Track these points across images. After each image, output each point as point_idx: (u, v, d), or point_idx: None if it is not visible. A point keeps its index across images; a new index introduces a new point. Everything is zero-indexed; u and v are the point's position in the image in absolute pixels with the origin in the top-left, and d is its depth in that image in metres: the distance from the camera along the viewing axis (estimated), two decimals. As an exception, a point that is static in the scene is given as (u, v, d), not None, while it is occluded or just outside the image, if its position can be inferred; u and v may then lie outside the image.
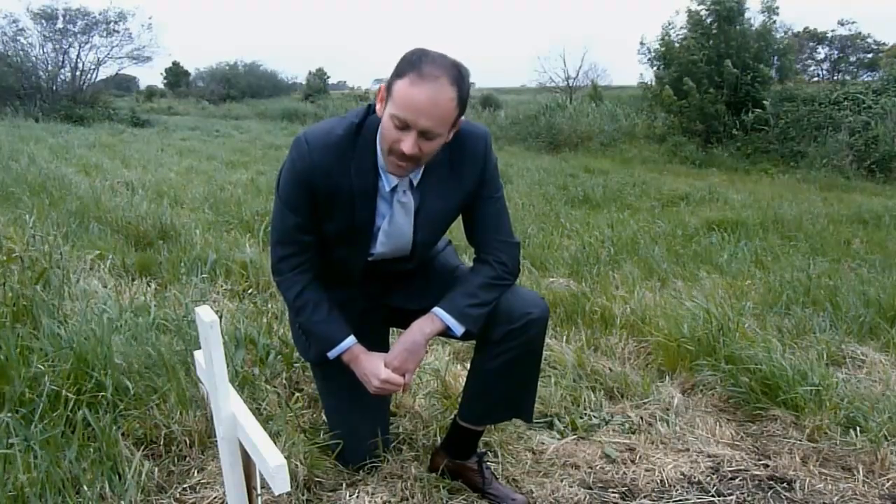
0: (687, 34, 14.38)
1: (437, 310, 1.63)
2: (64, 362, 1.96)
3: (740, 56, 13.55)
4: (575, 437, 2.09)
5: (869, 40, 30.13)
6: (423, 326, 1.63)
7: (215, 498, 1.65)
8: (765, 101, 13.33)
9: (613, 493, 1.84)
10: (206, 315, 1.13)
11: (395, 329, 2.10)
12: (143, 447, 1.80)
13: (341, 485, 1.75)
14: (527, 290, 1.78)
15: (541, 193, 7.90)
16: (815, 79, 27.04)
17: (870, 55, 29.29)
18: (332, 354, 1.67)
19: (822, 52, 31.32)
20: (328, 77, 43.78)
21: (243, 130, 18.39)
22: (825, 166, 11.35)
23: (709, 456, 2.03)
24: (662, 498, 1.82)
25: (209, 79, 41.00)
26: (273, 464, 1.06)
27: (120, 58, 24.09)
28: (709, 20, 14.10)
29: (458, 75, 1.44)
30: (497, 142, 15.27)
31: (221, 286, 3.32)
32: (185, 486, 1.71)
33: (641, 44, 15.48)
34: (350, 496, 1.70)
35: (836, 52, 30.92)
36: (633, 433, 2.13)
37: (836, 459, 2.02)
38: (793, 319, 3.14)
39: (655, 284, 3.81)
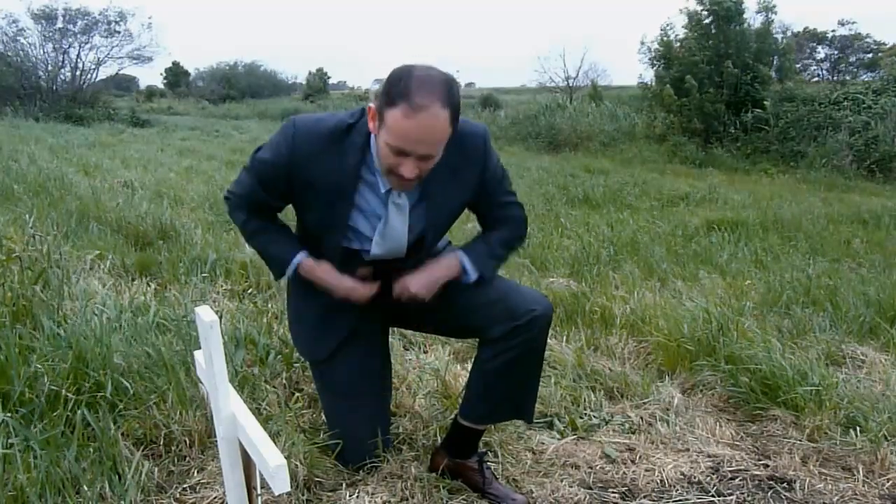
0: (686, 34, 14.38)
1: (459, 253, 1.71)
2: (63, 362, 1.96)
3: (740, 56, 13.55)
4: (575, 437, 2.09)
5: (869, 40, 30.13)
6: (445, 263, 1.69)
7: (215, 498, 1.65)
8: (765, 102, 13.33)
9: (613, 493, 1.84)
10: (206, 315, 1.13)
11: (394, 329, 2.11)
12: (142, 447, 1.80)
13: (341, 485, 1.75)
14: (529, 289, 1.79)
15: (541, 193, 7.90)
16: (815, 79, 27.04)
17: (870, 55, 29.29)
18: (288, 273, 1.71)
19: (822, 52, 31.33)
20: (328, 77, 43.81)
21: (243, 130, 18.40)
22: (825, 166, 11.35)
23: (709, 456, 2.03)
24: (662, 498, 1.82)
25: (209, 79, 41.02)
26: (273, 464, 1.06)
27: (120, 58, 24.16)
28: (708, 20, 14.10)
29: (449, 92, 1.41)
30: (497, 142, 15.26)
31: (221, 286, 3.32)
32: (185, 486, 1.70)
33: (642, 43, 15.50)
34: (350, 496, 1.70)
35: (836, 52, 30.93)
36: (633, 433, 2.13)
37: (836, 459, 2.02)
38: (793, 319, 3.14)
39: (655, 284, 3.81)
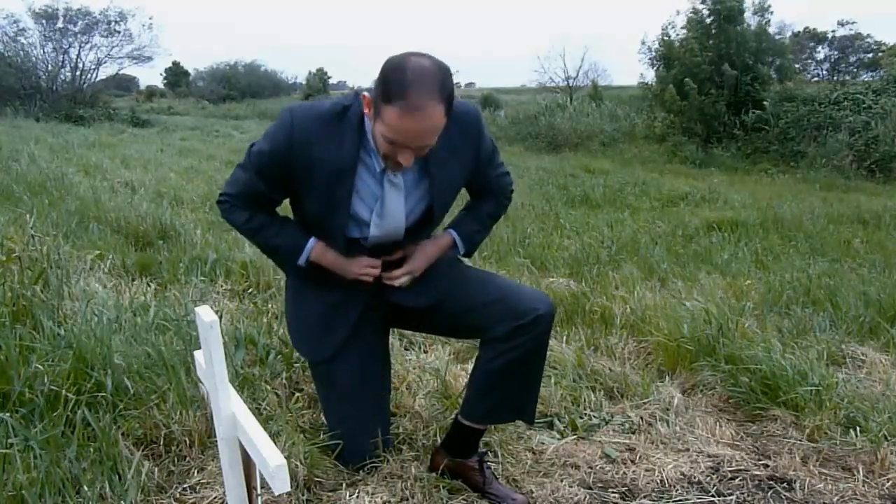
0: (687, 34, 14.38)
1: (451, 231, 1.81)
2: (63, 362, 1.95)
3: (740, 56, 13.55)
4: (575, 437, 2.09)
5: (869, 40, 30.14)
6: (436, 240, 1.78)
7: (215, 498, 1.65)
8: (765, 102, 13.34)
9: (613, 493, 1.84)
10: (206, 315, 1.13)
11: (394, 329, 2.10)
12: (143, 447, 1.80)
13: (341, 485, 1.75)
14: (531, 288, 1.79)
15: (541, 193, 7.90)
16: (815, 79, 27.04)
17: (870, 55, 29.30)
18: (302, 261, 1.71)
19: (822, 52, 31.35)
20: (328, 77, 43.81)
21: (243, 130, 18.40)
22: (825, 166, 11.36)
23: (709, 456, 2.03)
24: (662, 498, 1.82)
25: (209, 79, 40.99)
26: (273, 464, 1.06)
27: (120, 58, 24.14)
28: (709, 20, 14.11)
29: (443, 85, 1.42)
30: (497, 142, 15.19)
31: (221, 286, 3.32)
32: (185, 486, 1.70)
33: (643, 43, 15.51)
34: (350, 496, 1.70)
35: (836, 53, 30.94)
36: (633, 433, 2.13)
37: (836, 459, 2.02)
38: (793, 319, 3.14)
39: (655, 284, 3.81)
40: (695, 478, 1.91)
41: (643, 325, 2.91)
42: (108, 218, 4.65)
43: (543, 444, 2.03)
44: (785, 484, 1.90)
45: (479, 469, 1.77)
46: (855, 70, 28.01)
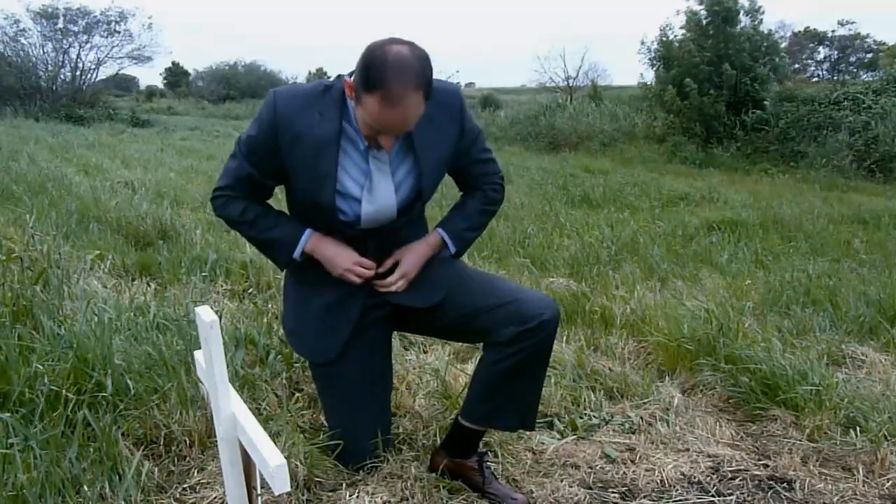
0: (685, 34, 14.38)
1: (439, 230, 1.80)
2: (64, 362, 1.96)
3: (739, 57, 13.55)
4: (575, 437, 2.09)
5: (869, 40, 30.17)
6: (425, 239, 1.78)
7: (215, 498, 1.65)
8: (765, 102, 13.33)
9: (613, 493, 1.84)
10: (206, 315, 1.13)
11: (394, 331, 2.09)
12: (143, 447, 1.80)
13: (341, 485, 1.75)
14: (535, 292, 1.78)
15: (541, 193, 7.91)
16: (815, 79, 27.05)
17: (870, 55, 29.31)
18: (297, 254, 1.71)
19: (822, 52, 31.37)
20: (328, 77, 43.75)
21: (243, 130, 18.38)
22: (825, 166, 11.35)
23: (709, 456, 2.03)
24: (662, 498, 1.82)
25: (209, 79, 40.96)
26: (273, 464, 1.06)
27: (120, 58, 24.15)
28: (706, 21, 14.10)
29: (422, 73, 1.44)
30: (497, 142, 15.27)
31: (221, 286, 3.32)
32: (185, 486, 1.70)
33: (642, 43, 15.50)
34: (350, 496, 1.70)
35: (836, 53, 30.95)
36: (633, 433, 2.13)
37: (836, 459, 2.02)
38: (793, 319, 3.14)
39: (655, 284, 3.81)
40: (695, 478, 1.92)
41: (643, 325, 2.91)
42: (108, 218, 4.66)
43: (543, 444, 2.03)
44: (785, 484, 1.90)
45: (479, 469, 1.77)
46: (855, 70, 28.03)
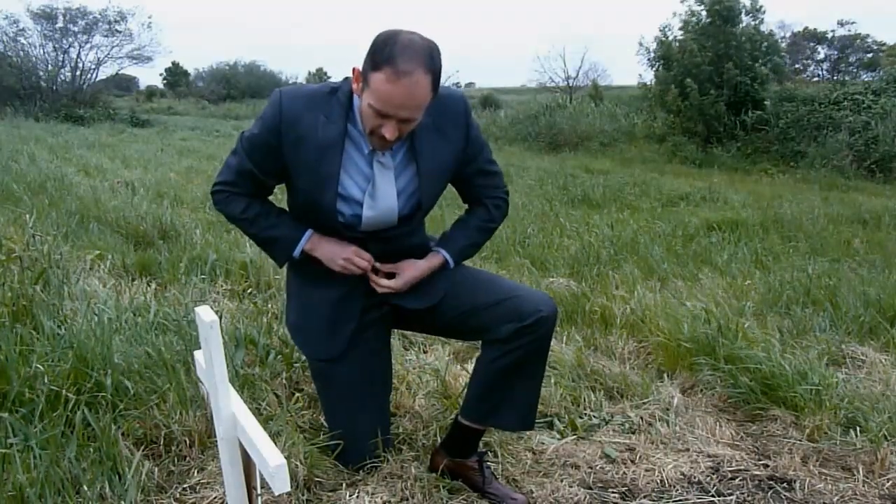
0: (685, 35, 14.38)
1: (440, 250, 1.79)
2: (64, 362, 1.96)
3: (740, 56, 13.55)
4: (575, 437, 2.09)
5: (869, 40, 30.18)
6: (429, 260, 1.77)
7: (215, 498, 1.65)
8: (765, 102, 13.34)
9: (613, 493, 1.84)
10: (206, 315, 1.13)
11: (395, 330, 2.09)
12: (143, 447, 1.80)
13: (341, 485, 1.75)
14: (533, 289, 1.78)
15: (541, 193, 7.91)
16: (815, 79, 27.05)
17: (870, 55, 29.32)
18: (296, 252, 1.72)
19: (822, 52, 31.37)
20: (328, 77, 43.82)
21: (243, 130, 18.38)
22: (825, 166, 11.36)
23: (709, 456, 2.03)
24: (662, 498, 1.82)
25: (209, 79, 41.00)
26: (273, 464, 1.06)
27: (120, 58, 24.17)
28: (706, 21, 14.10)
29: (431, 59, 1.45)
30: (497, 142, 15.27)
31: (221, 286, 3.31)
32: (185, 486, 1.70)
33: (640, 44, 15.51)
34: (350, 496, 1.70)
35: (835, 53, 30.96)
36: (633, 433, 2.13)
37: (836, 459, 2.02)
38: (793, 319, 3.14)
39: (655, 284, 3.80)
40: (695, 478, 1.92)
41: (643, 325, 2.91)
42: (108, 218, 4.66)
43: (543, 444, 2.03)
44: (785, 484, 1.90)
45: (479, 469, 1.77)
46: (855, 70, 28.03)
